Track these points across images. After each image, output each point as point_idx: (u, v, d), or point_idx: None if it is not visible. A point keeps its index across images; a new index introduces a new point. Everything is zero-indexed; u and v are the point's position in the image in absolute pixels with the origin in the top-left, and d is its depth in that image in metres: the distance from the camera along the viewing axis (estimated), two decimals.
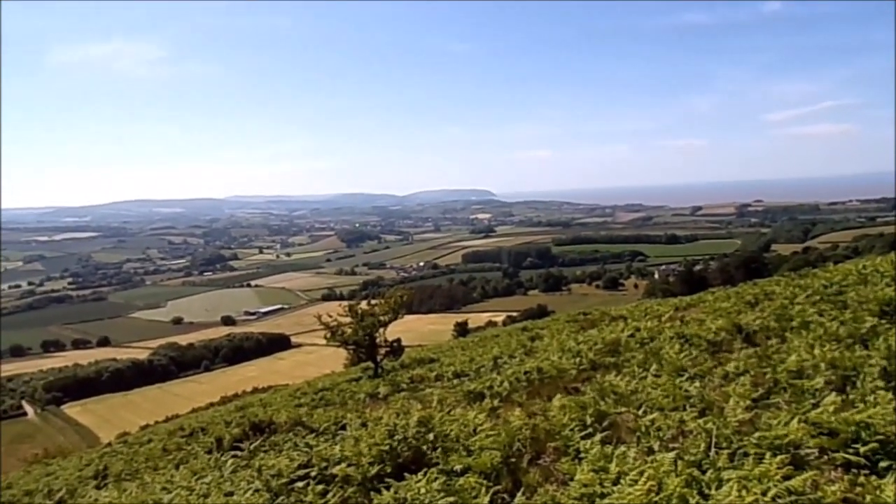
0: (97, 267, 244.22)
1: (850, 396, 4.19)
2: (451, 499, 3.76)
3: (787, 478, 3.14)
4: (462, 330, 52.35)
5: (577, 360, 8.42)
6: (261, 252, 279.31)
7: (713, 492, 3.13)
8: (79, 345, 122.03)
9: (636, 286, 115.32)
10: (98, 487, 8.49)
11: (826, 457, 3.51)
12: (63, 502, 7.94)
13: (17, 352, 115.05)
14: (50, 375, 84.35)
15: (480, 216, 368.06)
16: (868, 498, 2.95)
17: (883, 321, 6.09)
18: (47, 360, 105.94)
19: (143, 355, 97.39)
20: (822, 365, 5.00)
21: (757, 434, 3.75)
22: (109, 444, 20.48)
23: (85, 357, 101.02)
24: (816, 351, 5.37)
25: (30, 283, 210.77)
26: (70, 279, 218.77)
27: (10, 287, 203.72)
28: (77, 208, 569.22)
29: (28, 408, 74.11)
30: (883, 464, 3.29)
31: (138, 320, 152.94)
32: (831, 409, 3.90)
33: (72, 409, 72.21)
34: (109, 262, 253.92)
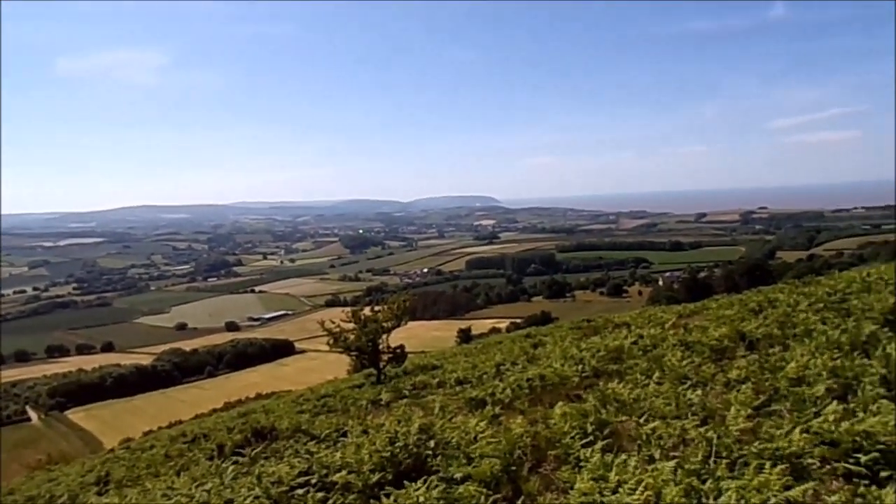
0: (102, 272, 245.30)
1: (851, 405, 4.17)
2: None
3: (787, 488, 3.13)
4: (465, 336, 52.16)
5: (580, 367, 8.39)
6: (265, 258, 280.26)
7: (711, 501, 3.12)
8: (83, 350, 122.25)
9: (640, 293, 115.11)
10: (99, 494, 8.49)
11: (827, 467, 3.50)
12: None
13: (22, 357, 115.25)
14: (54, 381, 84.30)
15: (484, 222, 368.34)
16: None
17: (885, 329, 6.07)
18: (51, 365, 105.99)
19: (147, 361, 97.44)
20: (824, 373, 4.99)
21: (758, 443, 3.74)
22: (112, 450, 20.48)
23: (89, 362, 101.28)
24: (818, 359, 5.35)
25: (35, 289, 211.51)
26: (75, 284, 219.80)
27: (14, 292, 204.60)
28: (82, 214, 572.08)
29: (32, 413, 74.16)
30: (884, 473, 3.27)
31: (142, 326, 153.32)
32: (832, 418, 3.89)
33: (75, 415, 72.31)
34: (114, 267, 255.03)
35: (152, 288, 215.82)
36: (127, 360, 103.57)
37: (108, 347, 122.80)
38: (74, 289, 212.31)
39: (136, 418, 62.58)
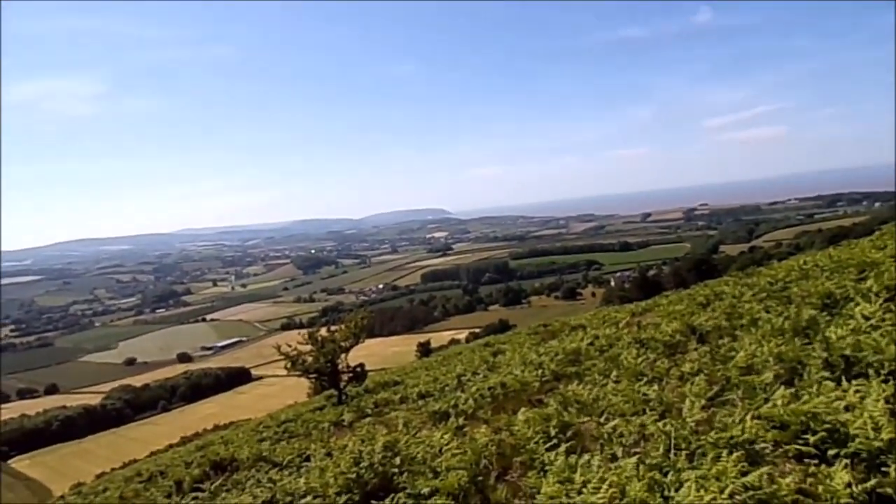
0: (41, 311, 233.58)
1: (798, 389, 4.35)
2: None
3: (743, 474, 3.23)
4: (425, 350, 52.10)
5: (540, 371, 8.49)
6: (215, 285, 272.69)
7: (673, 494, 3.20)
8: (24, 395, 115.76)
9: (594, 294, 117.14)
10: None
11: (779, 450, 3.63)
12: None
13: None
14: None
15: (437, 235, 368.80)
16: (820, 488, 3.06)
17: (824, 313, 6.36)
18: None
19: (95, 400, 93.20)
20: (771, 360, 5.19)
21: (713, 433, 3.86)
22: (62, 497, 19.52)
23: (32, 407, 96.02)
24: (765, 347, 5.56)
25: None
26: (12, 326, 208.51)
27: None
28: (16, 252, 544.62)
29: None
30: (831, 452, 3.42)
31: (89, 364, 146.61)
32: (781, 402, 4.05)
33: (20, 463, 68.53)
34: (55, 305, 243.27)
35: (97, 324, 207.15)
36: (73, 401, 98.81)
37: (52, 389, 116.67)
38: (12, 331, 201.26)
39: (87, 461, 59.84)
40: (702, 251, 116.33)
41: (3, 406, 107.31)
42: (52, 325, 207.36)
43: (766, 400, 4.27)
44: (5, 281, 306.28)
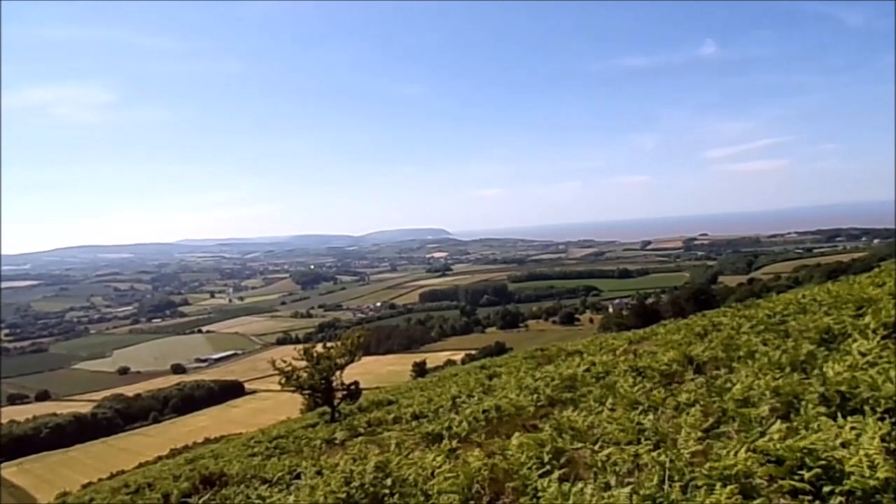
0: (37, 316, 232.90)
1: (794, 423, 4.33)
2: None
3: None
4: (420, 370, 51.88)
5: (535, 396, 8.45)
6: (212, 296, 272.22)
7: None
8: (15, 400, 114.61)
9: (591, 320, 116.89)
10: None
11: (774, 484, 3.61)
12: None
13: None
14: None
15: (436, 255, 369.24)
16: None
17: (821, 348, 6.36)
18: None
19: (86, 408, 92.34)
20: (767, 393, 5.18)
21: (707, 465, 3.83)
22: None
23: (22, 413, 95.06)
24: (761, 379, 5.55)
25: None
26: (7, 330, 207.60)
27: None
28: (15, 256, 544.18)
29: None
30: (826, 488, 3.40)
31: (81, 371, 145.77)
32: (777, 436, 4.03)
33: (6, 470, 67.62)
34: (51, 311, 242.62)
35: (92, 331, 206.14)
36: (64, 408, 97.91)
37: (43, 396, 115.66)
38: (7, 335, 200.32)
39: (74, 470, 59.17)
40: (700, 281, 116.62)
41: None
42: (48, 331, 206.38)
43: (762, 433, 4.25)
44: (3, 285, 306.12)
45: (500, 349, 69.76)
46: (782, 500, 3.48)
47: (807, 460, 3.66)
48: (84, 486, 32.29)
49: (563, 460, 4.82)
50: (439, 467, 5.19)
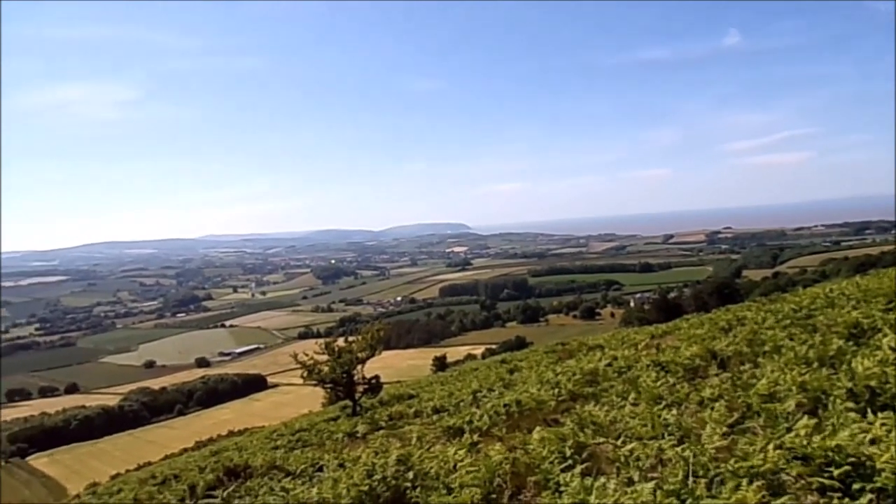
0: (66, 311, 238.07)
1: (822, 419, 4.26)
2: None
3: None
4: (441, 364, 52.10)
5: (556, 391, 8.41)
6: (235, 291, 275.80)
7: None
8: (46, 393, 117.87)
9: (612, 315, 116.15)
10: None
11: (802, 482, 3.55)
12: None
13: None
14: (15, 426, 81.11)
15: (456, 249, 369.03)
16: None
17: (850, 343, 6.23)
18: (12, 409, 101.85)
19: (113, 401, 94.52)
20: (794, 388, 5.08)
21: (733, 461, 3.78)
22: (78, 496, 19.73)
23: (52, 405, 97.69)
24: (787, 375, 5.46)
25: None
26: (37, 325, 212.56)
27: None
28: (44, 252, 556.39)
29: None
30: (856, 486, 3.33)
31: (109, 365, 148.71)
32: (804, 433, 3.96)
33: (38, 461, 69.50)
34: (79, 306, 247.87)
35: (118, 326, 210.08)
36: (92, 401, 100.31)
37: (72, 389, 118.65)
38: (37, 329, 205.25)
39: (103, 462, 60.55)
40: (724, 275, 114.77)
41: (24, 403, 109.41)
42: (76, 326, 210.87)
43: (789, 429, 4.18)
44: (33, 280, 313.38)
45: (520, 343, 69.65)
46: (810, 497, 3.43)
47: (836, 458, 3.59)
48: (112, 477, 32.93)
49: (585, 455, 4.79)
50: (461, 461, 5.20)
